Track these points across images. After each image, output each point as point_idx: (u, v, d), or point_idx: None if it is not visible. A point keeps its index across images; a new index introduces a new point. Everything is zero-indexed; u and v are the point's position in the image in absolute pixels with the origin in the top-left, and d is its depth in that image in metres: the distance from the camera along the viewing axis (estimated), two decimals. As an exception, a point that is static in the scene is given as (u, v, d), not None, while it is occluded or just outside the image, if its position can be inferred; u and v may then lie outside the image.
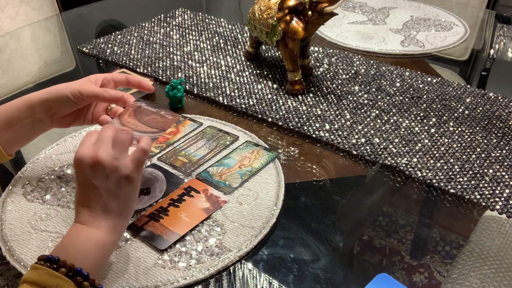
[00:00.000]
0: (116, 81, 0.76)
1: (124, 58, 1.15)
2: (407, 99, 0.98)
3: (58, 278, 0.50)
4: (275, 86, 1.02)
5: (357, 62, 1.13)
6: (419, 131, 0.87)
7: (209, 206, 0.69)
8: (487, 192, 0.73)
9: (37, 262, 0.51)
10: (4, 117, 0.69)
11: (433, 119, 0.91)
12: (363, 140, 0.85)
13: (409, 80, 1.05)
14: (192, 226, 0.66)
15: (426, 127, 0.89)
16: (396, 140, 0.85)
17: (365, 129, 0.88)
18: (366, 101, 0.97)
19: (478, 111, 0.94)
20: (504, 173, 0.77)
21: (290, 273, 0.61)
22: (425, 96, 0.99)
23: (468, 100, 0.98)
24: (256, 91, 1.00)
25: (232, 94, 0.99)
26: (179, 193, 0.72)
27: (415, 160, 0.80)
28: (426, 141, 0.85)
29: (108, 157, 0.57)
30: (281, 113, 0.92)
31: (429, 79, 1.06)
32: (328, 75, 1.07)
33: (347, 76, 1.07)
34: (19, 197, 0.72)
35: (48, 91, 0.70)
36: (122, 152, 0.59)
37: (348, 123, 0.90)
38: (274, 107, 0.94)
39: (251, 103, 0.96)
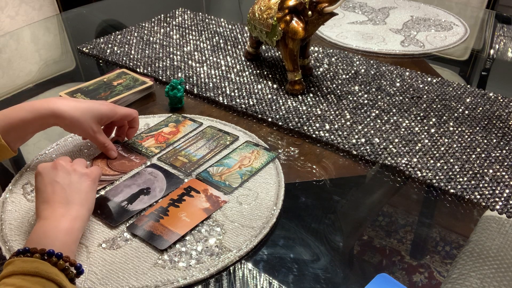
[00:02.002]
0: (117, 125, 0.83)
1: (124, 58, 1.15)
2: (407, 99, 0.98)
3: (34, 262, 0.51)
4: (275, 86, 1.02)
5: (357, 62, 1.13)
6: (419, 131, 0.87)
7: (209, 206, 0.69)
8: (487, 192, 0.73)
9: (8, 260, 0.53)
10: (14, 125, 0.71)
11: (433, 119, 0.91)
12: (363, 140, 0.85)
13: (409, 80, 1.05)
14: (192, 226, 0.66)
15: (426, 127, 0.89)
16: (396, 140, 0.85)
17: (365, 129, 0.88)
18: (366, 101, 0.97)
19: (478, 111, 0.94)
20: (504, 173, 0.77)
21: (290, 273, 0.61)
22: (425, 96, 0.99)
23: (468, 100, 0.98)
24: (256, 91, 1.00)
25: (232, 94, 0.99)
26: (179, 193, 0.72)
27: (415, 160, 0.80)
28: (426, 141, 0.85)
29: (67, 162, 0.67)
30: (281, 113, 0.92)
31: (429, 79, 1.06)
32: (328, 75, 1.07)
33: (347, 76, 1.07)
34: (19, 197, 0.72)
35: (70, 122, 0.74)
36: (78, 162, 0.68)
37: (348, 123, 0.90)
38: (274, 107, 0.94)
39: (251, 103, 0.96)
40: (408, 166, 0.78)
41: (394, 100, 0.97)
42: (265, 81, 1.04)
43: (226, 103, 0.96)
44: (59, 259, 0.53)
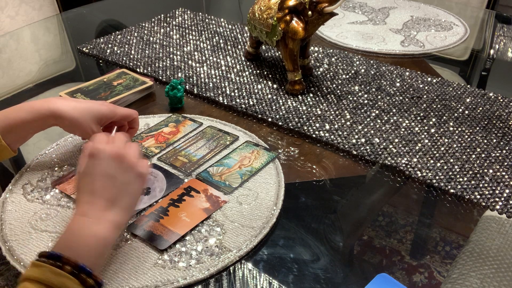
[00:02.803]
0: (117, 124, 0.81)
1: (124, 58, 1.15)
2: (407, 99, 0.98)
3: (62, 276, 0.49)
4: (275, 86, 1.02)
5: (357, 62, 1.13)
6: (419, 131, 0.87)
7: (209, 206, 0.69)
8: (487, 192, 0.73)
9: (38, 259, 0.51)
10: (14, 126, 0.71)
11: (433, 119, 0.91)
12: (363, 140, 0.85)
13: (409, 80, 1.05)
14: (192, 226, 0.66)
15: (426, 127, 0.89)
16: (396, 140, 0.85)
17: (365, 129, 0.88)
18: (366, 101, 0.97)
19: (478, 111, 0.94)
20: (504, 173, 0.77)
21: (290, 273, 0.61)
22: (425, 96, 0.99)
23: (468, 100, 0.98)
24: (256, 91, 1.00)
25: (232, 94, 0.99)
26: (179, 193, 0.72)
27: (415, 160, 0.80)
28: (426, 141, 0.85)
29: (131, 153, 0.60)
30: (281, 113, 0.92)
31: (429, 79, 1.06)
32: (328, 75, 1.07)
33: (347, 76, 1.07)
34: (19, 197, 0.72)
35: (67, 118, 0.72)
36: (137, 152, 0.62)
37: (348, 123, 0.90)
38: (274, 107, 0.94)
39: (251, 103, 0.96)
40: (408, 166, 0.78)
41: (394, 100, 0.97)
42: (265, 81, 1.04)
43: (226, 103, 0.96)
44: (89, 276, 0.50)
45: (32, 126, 0.72)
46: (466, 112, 0.94)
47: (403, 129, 0.88)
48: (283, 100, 0.97)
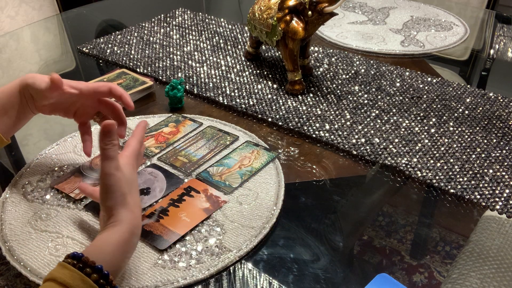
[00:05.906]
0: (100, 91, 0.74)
1: (124, 58, 1.15)
2: (407, 99, 0.98)
3: (78, 279, 0.48)
4: (275, 86, 1.02)
5: (357, 62, 1.13)
6: (419, 131, 0.87)
7: (209, 206, 0.69)
8: (487, 192, 0.73)
9: (64, 260, 0.50)
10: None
11: (433, 119, 0.91)
12: (363, 140, 0.85)
13: (409, 80, 1.05)
14: (192, 226, 0.66)
15: (426, 127, 0.89)
16: (396, 140, 0.85)
17: (365, 129, 0.88)
18: (366, 101, 0.97)
19: (478, 111, 0.94)
20: (504, 173, 0.77)
21: (290, 273, 0.61)
22: (425, 96, 0.99)
23: (468, 100, 0.98)
24: (256, 91, 1.00)
25: (232, 94, 0.99)
26: (179, 193, 0.72)
27: (415, 160, 0.80)
28: (426, 141, 0.85)
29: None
30: (281, 113, 0.92)
31: (429, 79, 1.06)
32: (328, 75, 1.07)
33: (347, 76, 1.07)
34: (19, 197, 0.72)
35: (30, 77, 0.70)
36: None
37: (348, 123, 0.90)
38: (274, 107, 0.94)
39: (251, 103, 0.96)
40: (408, 166, 0.78)
41: (394, 100, 0.97)
42: (265, 81, 1.04)
43: (226, 103, 0.96)
44: (104, 279, 0.50)
45: (12, 105, 0.70)
46: (466, 112, 0.94)
47: (403, 129, 0.88)
48: (283, 100, 0.97)
